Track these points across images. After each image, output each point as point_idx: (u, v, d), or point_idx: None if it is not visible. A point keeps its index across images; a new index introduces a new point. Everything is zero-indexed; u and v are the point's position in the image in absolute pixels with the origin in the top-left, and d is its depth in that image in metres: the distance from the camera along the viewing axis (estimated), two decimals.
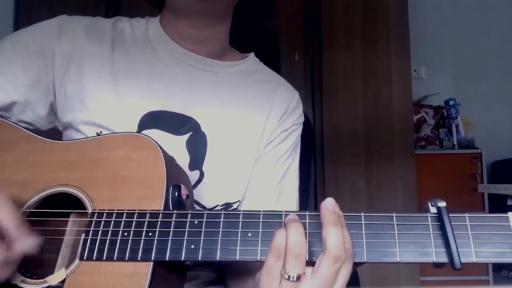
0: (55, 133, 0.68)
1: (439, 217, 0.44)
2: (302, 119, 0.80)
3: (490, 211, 2.52)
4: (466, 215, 0.44)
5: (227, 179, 0.69)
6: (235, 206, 0.70)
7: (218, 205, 0.69)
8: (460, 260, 0.41)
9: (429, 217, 0.45)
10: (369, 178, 2.13)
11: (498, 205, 2.53)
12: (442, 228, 0.43)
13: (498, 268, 2.62)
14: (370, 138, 2.15)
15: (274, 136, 0.73)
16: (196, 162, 0.67)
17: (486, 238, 0.43)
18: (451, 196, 2.46)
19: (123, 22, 0.73)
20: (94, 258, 0.48)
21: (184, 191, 0.52)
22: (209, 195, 0.68)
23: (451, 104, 2.83)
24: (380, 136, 2.14)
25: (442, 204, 0.44)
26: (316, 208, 2.01)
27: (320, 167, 2.15)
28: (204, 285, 0.72)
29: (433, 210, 0.45)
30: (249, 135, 0.72)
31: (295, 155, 0.77)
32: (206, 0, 0.66)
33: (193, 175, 0.67)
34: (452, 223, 0.43)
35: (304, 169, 1.01)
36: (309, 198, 1.03)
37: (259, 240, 0.46)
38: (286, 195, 0.74)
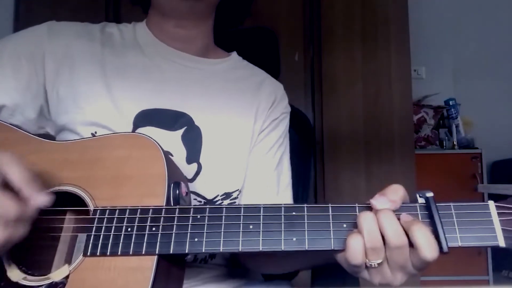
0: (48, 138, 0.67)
1: (427, 207, 0.47)
2: (289, 108, 0.84)
3: None
4: (451, 204, 0.48)
5: (224, 169, 0.71)
6: (234, 195, 0.72)
7: (218, 195, 0.70)
8: (447, 245, 0.44)
9: (418, 207, 0.48)
10: (369, 178, 2.13)
11: None
12: (430, 216, 0.46)
13: (498, 268, 2.62)
14: (370, 138, 2.15)
15: (266, 125, 0.77)
16: (193, 155, 0.69)
17: (470, 224, 0.47)
18: (451, 196, 2.46)
19: (111, 27, 0.76)
20: (98, 253, 0.48)
21: (184, 189, 0.53)
22: (208, 186, 0.69)
23: (451, 104, 2.83)
24: (380, 136, 2.14)
25: (430, 194, 0.48)
26: None
27: (320, 167, 2.15)
28: (205, 282, 0.72)
29: (421, 200, 0.48)
30: (241, 125, 0.74)
31: (286, 144, 0.81)
32: (190, 0, 0.68)
33: (191, 168, 0.68)
34: (439, 212, 0.46)
35: (304, 169, 1.01)
36: (308, 197, 1.03)
37: (260, 232, 0.48)
38: (283, 182, 0.77)
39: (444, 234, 0.45)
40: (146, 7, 0.78)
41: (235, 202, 0.73)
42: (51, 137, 0.71)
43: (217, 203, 0.70)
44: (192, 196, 0.68)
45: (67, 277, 0.49)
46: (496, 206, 0.47)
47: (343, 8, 2.23)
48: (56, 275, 0.49)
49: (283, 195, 0.76)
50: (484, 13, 3.06)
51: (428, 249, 0.43)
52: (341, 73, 2.19)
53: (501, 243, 0.46)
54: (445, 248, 0.44)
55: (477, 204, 0.48)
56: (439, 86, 2.93)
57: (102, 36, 0.73)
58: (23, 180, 0.46)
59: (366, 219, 0.45)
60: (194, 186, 0.68)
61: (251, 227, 0.48)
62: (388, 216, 0.45)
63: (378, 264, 0.45)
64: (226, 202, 0.71)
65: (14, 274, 0.50)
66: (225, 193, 0.71)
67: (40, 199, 0.46)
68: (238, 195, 0.73)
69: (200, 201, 0.69)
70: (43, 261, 0.54)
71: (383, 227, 0.44)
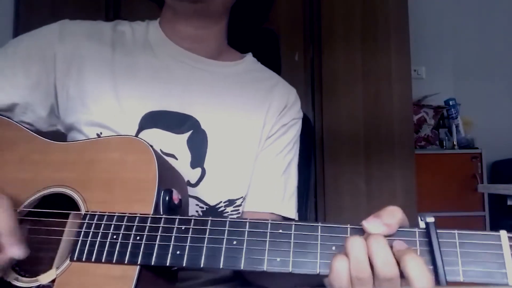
0: (59, 136, 0.68)
1: (427, 233, 0.42)
2: (301, 114, 0.81)
3: (490, 211, 2.52)
4: (456, 231, 0.42)
5: (229, 175, 0.70)
6: (238, 202, 0.71)
7: (221, 201, 0.69)
8: (446, 279, 0.40)
9: (416, 233, 0.43)
10: (369, 178, 2.12)
11: (498, 205, 2.53)
12: (430, 244, 0.41)
13: None
14: (370, 138, 2.15)
15: (274, 130, 0.75)
16: (198, 159, 0.68)
17: (475, 256, 0.41)
18: (451, 196, 2.47)
19: (123, 26, 0.75)
20: (83, 259, 0.48)
21: (176, 196, 0.52)
22: (211, 192, 0.68)
23: (451, 104, 2.83)
24: (380, 136, 2.14)
25: (431, 219, 0.42)
26: (316, 208, 2.01)
27: (320, 167, 2.15)
28: (204, 285, 0.72)
29: (422, 225, 0.43)
30: (249, 130, 0.73)
31: (296, 151, 0.79)
32: (197, 2, 0.67)
33: (195, 173, 0.68)
34: (440, 240, 0.41)
35: (304, 169, 1.01)
36: (309, 198, 1.03)
37: (244, 249, 0.45)
38: (290, 189, 0.75)
39: (443, 267, 0.40)
40: (161, 3, 0.76)
41: (238, 210, 0.71)
42: (63, 135, 0.72)
43: (220, 210, 0.69)
44: (194, 202, 0.67)
45: (54, 280, 0.49)
46: (509, 237, 0.41)
47: (343, 8, 2.23)
48: (44, 278, 0.49)
49: (288, 202, 0.74)
50: (484, 13, 3.05)
51: (420, 282, 0.38)
52: (341, 73, 2.19)
53: (511, 282, 0.39)
54: (443, 282, 0.39)
55: (486, 234, 0.41)
56: (439, 86, 2.92)
57: (113, 35, 0.72)
58: (5, 228, 0.46)
59: (354, 245, 0.40)
60: (197, 192, 0.67)
61: (234, 243, 0.45)
62: (378, 243, 0.40)
63: None
64: (229, 209, 0.70)
65: (7, 273, 0.51)
66: (229, 200, 0.70)
67: (15, 251, 0.46)
68: (242, 202, 0.72)
69: (202, 207, 0.68)
70: (43, 262, 0.54)
71: (372, 255, 0.40)
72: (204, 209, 0.68)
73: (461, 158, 2.62)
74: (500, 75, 2.99)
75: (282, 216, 0.72)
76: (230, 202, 0.70)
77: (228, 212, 0.70)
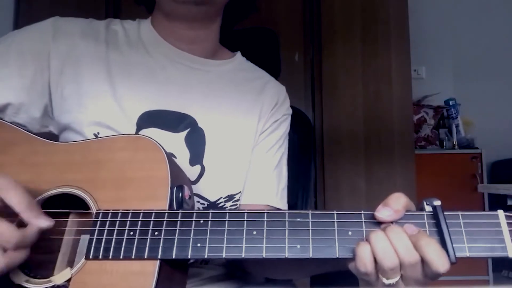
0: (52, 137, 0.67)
1: (434, 215, 0.46)
2: (290, 110, 0.84)
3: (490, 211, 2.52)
4: (459, 213, 0.46)
5: (227, 171, 0.71)
6: (237, 197, 0.72)
7: (221, 197, 0.70)
8: (455, 255, 0.44)
9: (425, 215, 0.47)
10: (369, 178, 2.13)
11: (498, 205, 2.52)
12: (438, 225, 0.45)
13: (498, 268, 2.62)
14: (370, 138, 2.15)
15: (267, 126, 0.77)
16: (196, 157, 0.69)
17: (478, 234, 0.46)
18: (451, 196, 2.46)
19: (115, 25, 0.75)
20: (100, 257, 0.48)
21: (187, 192, 0.53)
22: (211, 188, 0.69)
23: (451, 104, 2.84)
24: (380, 136, 2.14)
25: (438, 203, 0.47)
26: (316, 208, 2.01)
27: (320, 167, 2.15)
28: (205, 282, 0.72)
29: (428, 209, 0.47)
30: (245, 127, 0.74)
31: (286, 146, 0.82)
32: (202, 5, 0.67)
33: (195, 170, 0.68)
34: (446, 221, 0.45)
35: (304, 169, 1.01)
36: (309, 198, 1.03)
37: (264, 238, 0.47)
38: (282, 183, 0.77)
39: (452, 245, 0.44)
40: (151, 7, 0.77)
41: (237, 204, 0.72)
42: (54, 136, 0.70)
43: (220, 205, 0.70)
44: (195, 199, 0.67)
45: (69, 280, 0.48)
46: (506, 215, 0.46)
47: (343, 8, 2.23)
48: (58, 278, 0.49)
49: (281, 196, 0.76)
50: (484, 13, 3.06)
51: (439, 262, 0.42)
52: (341, 73, 2.19)
53: (511, 254, 0.44)
54: (452, 259, 0.43)
55: (486, 214, 0.46)
56: (439, 86, 2.93)
57: (107, 34, 0.72)
58: (22, 204, 0.46)
59: (378, 238, 0.44)
60: (197, 188, 0.68)
61: (254, 233, 0.47)
62: (398, 233, 0.44)
63: (396, 282, 0.44)
64: (228, 204, 0.71)
65: (17, 276, 0.50)
66: (228, 196, 0.71)
67: (41, 223, 0.47)
68: (240, 197, 0.72)
69: (203, 204, 0.69)
70: (46, 262, 0.54)
71: (394, 245, 0.44)
72: (205, 205, 0.69)
73: (461, 158, 2.62)
74: (500, 76, 2.99)
75: (276, 208, 0.74)
76: (230, 197, 0.71)
77: (228, 207, 0.71)
